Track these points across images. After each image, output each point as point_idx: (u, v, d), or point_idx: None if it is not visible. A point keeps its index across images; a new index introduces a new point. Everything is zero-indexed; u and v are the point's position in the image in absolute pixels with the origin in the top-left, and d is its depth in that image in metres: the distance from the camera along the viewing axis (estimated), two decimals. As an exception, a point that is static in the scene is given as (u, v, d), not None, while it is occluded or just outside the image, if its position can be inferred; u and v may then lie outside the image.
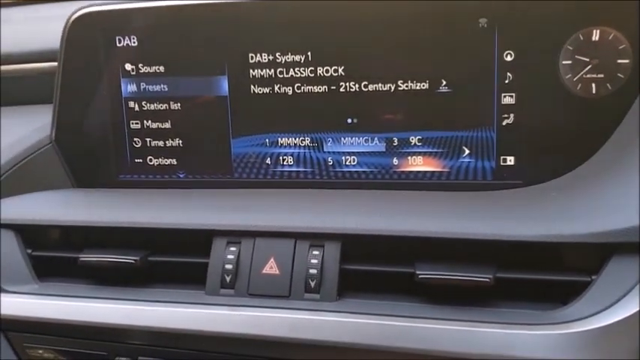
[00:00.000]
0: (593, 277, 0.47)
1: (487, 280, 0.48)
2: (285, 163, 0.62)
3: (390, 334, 0.47)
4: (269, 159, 0.62)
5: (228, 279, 0.52)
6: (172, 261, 0.56)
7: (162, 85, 0.63)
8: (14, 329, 0.57)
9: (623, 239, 0.46)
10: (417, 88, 0.57)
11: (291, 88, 0.60)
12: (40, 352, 0.56)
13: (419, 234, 0.50)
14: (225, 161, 0.63)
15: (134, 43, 0.62)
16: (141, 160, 0.65)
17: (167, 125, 0.63)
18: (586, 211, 0.49)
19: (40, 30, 0.76)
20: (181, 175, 0.64)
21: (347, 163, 0.60)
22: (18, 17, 0.87)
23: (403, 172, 0.59)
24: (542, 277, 0.48)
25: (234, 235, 0.54)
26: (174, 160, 0.64)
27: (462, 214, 0.52)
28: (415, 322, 0.48)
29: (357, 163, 0.60)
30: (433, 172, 0.59)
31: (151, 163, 0.64)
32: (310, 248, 0.52)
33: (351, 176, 0.60)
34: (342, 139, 0.60)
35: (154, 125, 0.64)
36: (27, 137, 0.65)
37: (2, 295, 0.56)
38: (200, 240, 0.55)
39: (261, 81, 0.60)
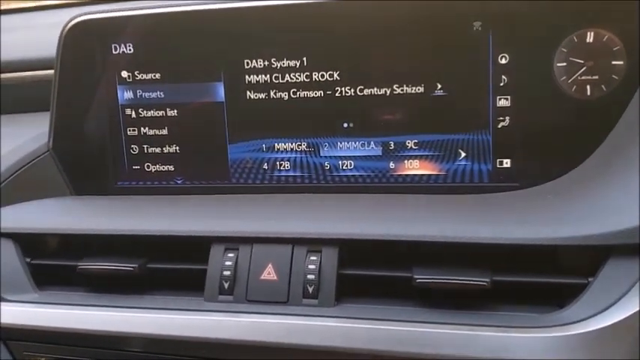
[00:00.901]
0: (590, 280, 0.47)
1: (484, 283, 0.48)
2: (282, 168, 0.62)
3: (389, 338, 0.47)
4: (266, 164, 0.62)
5: (226, 285, 0.52)
6: (171, 268, 0.56)
7: (158, 92, 0.63)
8: (14, 338, 0.57)
9: (619, 241, 0.46)
10: (413, 91, 0.57)
11: (286, 93, 0.60)
12: (40, 360, 0.57)
13: (416, 238, 0.50)
14: (223, 167, 0.63)
15: (130, 50, 0.62)
16: (138, 167, 0.65)
17: (164, 132, 0.64)
18: (582, 213, 0.49)
19: (37, 38, 0.76)
20: (179, 182, 0.64)
21: (344, 167, 0.60)
22: (16, 25, 0.87)
23: (400, 175, 0.60)
24: (540, 279, 0.48)
25: (232, 242, 0.54)
26: (171, 166, 0.64)
27: (459, 217, 0.52)
28: (414, 326, 0.48)
29: (354, 167, 0.60)
30: (430, 175, 0.59)
31: (149, 170, 0.65)
32: (308, 254, 0.52)
33: (348, 180, 0.61)
34: (339, 143, 0.60)
35: (151, 132, 0.64)
36: (25, 145, 0.65)
37: (2, 304, 0.56)
38: (198, 247, 0.55)
39: (257, 86, 0.60)
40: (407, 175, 0.59)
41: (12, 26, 0.86)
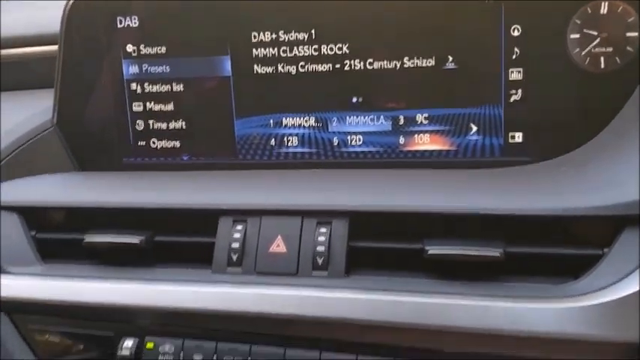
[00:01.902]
0: (605, 251, 0.46)
1: (497, 255, 0.47)
2: (289, 144, 0.61)
3: (401, 309, 0.47)
4: (273, 140, 0.61)
5: (234, 257, 0.52)
6: (178, 241, 0.55)
7: (164, 66, 0.62)
8: (19, 311, 0.56)
9: (635, 212, 0.45)
10: (424, 65, 0.57)
11: (294, 67, 0.59)
12: (45, 333, 0.56)
13: (427, 210, 0.49)
14: (229, 143, 0.62)
15: (135, 23, 0.61)
16: (144, 143, 0.64)
17: (170, 107, 0.63)
18: (597, 184, 0.48)
19: (41, 13, 0.75)
20: (185, 158, 0.63)
21: (352, 143, 0.60)
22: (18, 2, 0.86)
23: (410, 151, 0.59)
24: (553, 250, 0.48)
25: (241, 214, 0.53)
26: (177, 142, 0.63)
27: (471, 190, 0.52)
28: (425, 297, 0.47)
29: (363, 142, 0.59)
30: (440, 150, 0.58)
31: (155, 146, 0.64)
32: (317, 226, 0.51)
33: (357, 156, 0.60)
34: (347, 118, 0.59)
35: (157, 107, 0.63)
36: (29, 120, 0.64)
37: (6, 276, 0.55)
38: (206, 221, 0.54)
39: (264, 60, 0.60)
40: (417, 150, 0.58)
41: (14, 3, 0.85)
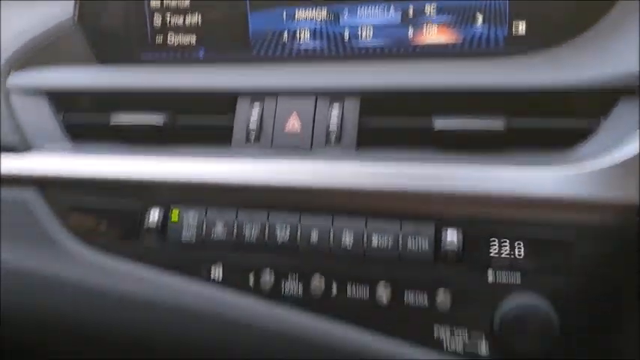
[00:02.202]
0: (602, 120, 0.49)
1: (500, 127, 0.50)
2: (301, 39, 0.63)
3: (409, 177, 0.50)
4: (286, 34, 0.63)
5: (252, 135, 0.55)
6: (199, 124, 0.58)
7: (180, -41, 0.63)
8: (51, 187, 0.60)
9: (633, 82, 0.48)
10: (433, -46, 0.58)
11: (308, -44, 0.61)
12: (76, 209, 0.60)
13: (434, 87, 0.52)
14: (244, 38, 0.64)
15: None
16: (161, 38, 0.66)
17: (186, 2, 0.65)
18: (596, 62, 0.51)
19: None
20: (201, 53, 0.66)
21: (363, 37, 0.62)
22: None
23: (417, 45, 0.61)
24: (553, 123, 0.51)
25: (258, 95, 0.56)
26: (193, 37, 0.65)
27: (475, 72, 0.54)
28: (431, 165, 0.50)
29: (373, 36, 0.61)
30: (447, 43, 0.60)
31: (172, 42, 0.66)
32: (331, 104, 0.54)
33: (367, 51, 0.62)
34: (358, 10, 0.61)
35: (174, 3, 0.65)
36: (51, 17, 0.66)
37: (37, 153, 0.59)
38: (224, 104, 0.57)
39: (279, -49, 0.61)
40: (425, 44, 0.61)
41: None
